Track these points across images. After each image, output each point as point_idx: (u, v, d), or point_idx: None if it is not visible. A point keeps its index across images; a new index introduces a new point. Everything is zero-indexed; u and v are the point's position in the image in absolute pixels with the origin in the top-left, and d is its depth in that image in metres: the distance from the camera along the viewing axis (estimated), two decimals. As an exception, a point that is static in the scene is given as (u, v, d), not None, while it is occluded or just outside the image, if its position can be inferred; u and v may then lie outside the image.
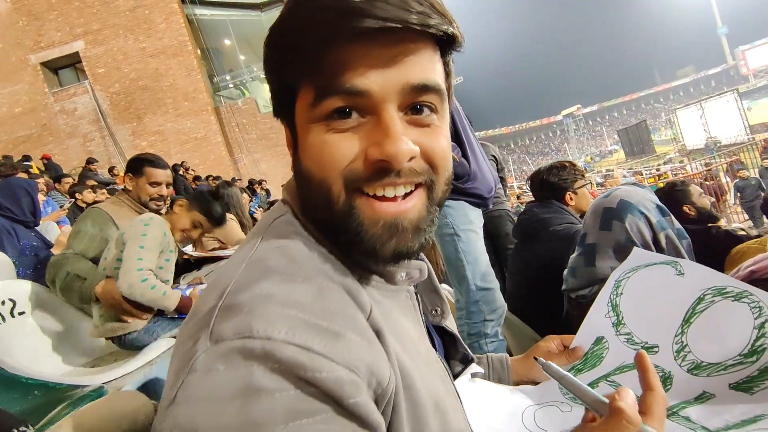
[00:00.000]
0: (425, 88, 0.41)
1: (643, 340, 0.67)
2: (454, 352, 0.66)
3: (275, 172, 11.57)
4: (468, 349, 0.67)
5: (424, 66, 0.41)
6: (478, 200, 1.57)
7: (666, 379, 0.63)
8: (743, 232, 1.95)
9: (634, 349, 0.67)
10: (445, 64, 0.44)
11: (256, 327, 0.34)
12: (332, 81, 0.39)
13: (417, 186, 0.43)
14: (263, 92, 14.87)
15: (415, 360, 0.44)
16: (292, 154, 0.47)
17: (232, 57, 15.03)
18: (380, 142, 0.39)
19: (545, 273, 1.54)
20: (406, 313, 0.49)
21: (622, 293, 0.72)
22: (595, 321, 0.73)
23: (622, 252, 1.15)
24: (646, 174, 13.79)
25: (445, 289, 2.39)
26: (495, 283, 1.59)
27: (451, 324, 0.63)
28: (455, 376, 0.67)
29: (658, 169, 14.90)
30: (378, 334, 0.40)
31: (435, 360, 0.51)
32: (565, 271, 1.33)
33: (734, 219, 7.03)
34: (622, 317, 0.71)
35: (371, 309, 0.41)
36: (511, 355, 1.00)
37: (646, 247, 1.13)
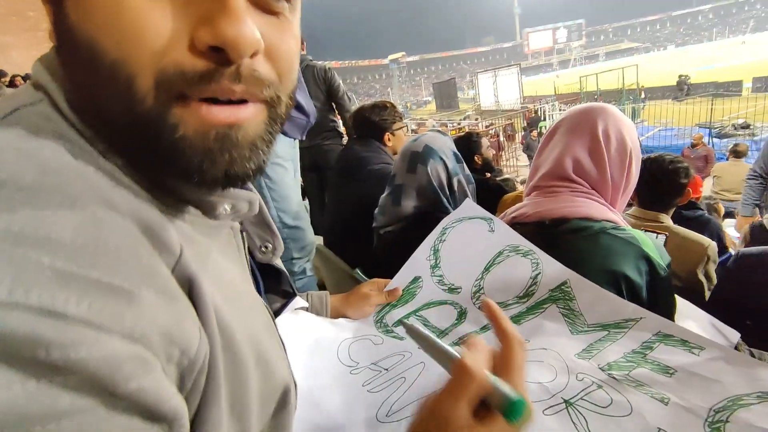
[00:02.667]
0: None
1: (451, 281, 0.78)
2: (274, 287, 0.63)
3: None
4: (293, 284, 0.64)
5: None
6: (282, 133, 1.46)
7: (461, 315, 0.75)
8: (517, 183, 2.44)
9: (442, 289, 0.78)
10: None
11: None
12: None
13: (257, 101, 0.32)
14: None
15: (237, 309, 0.36)
16: (53, 10, 0.30)
17: None
18: (213, 19, 0.27)
19: (359, 209, 1.59)
20: (227, 254, 0.40)
21: (444, 240, 0.82)
22: (417, 262, 0.82)
23: (423, 193, 1.26)
24: (450, 127, 15.90)
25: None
26: (305, 220, 1.56)
27: (278, 261, 0.56)
28: (276, 312, 0.64)
29: (459, 124, 17.35)
30: (190, 284, 0.30)
31: (260, 306, 0.44)
32: (376, 210, 1.39)
33: (505, 172, 8.85)
34: (439, 261, 0.81)
35: (181, 251, 0.30)
36: (323, 287, 0.99)
37: (441, 188, 1.26)
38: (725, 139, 9.35)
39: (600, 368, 0.57)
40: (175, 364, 0.27)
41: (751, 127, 10.00)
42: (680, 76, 18.82)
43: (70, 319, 0.22)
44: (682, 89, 17.91)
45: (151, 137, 0.29)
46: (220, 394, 0.31)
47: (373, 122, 1.84)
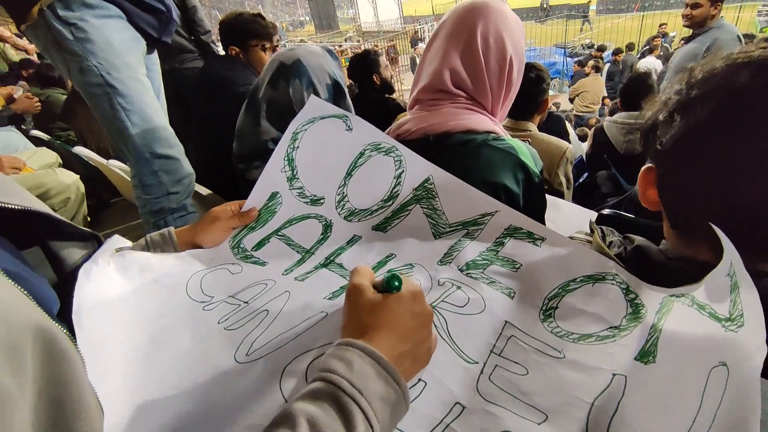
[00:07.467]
0: None
1: (313, 193, 0.71)
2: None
3: None
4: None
5: None
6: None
7: (327, 228, 0.70)
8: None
9: (304, 202, 0.71)
10: None
11: None
12: None
13: None
14: None
15: None
16: None
17: None
18: None
19: (228, 137, 1.39)
20: None
21: (298, 147, 0.72)
22: (272, 176, 0.72)
23: (281, 116, 1.09)
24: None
25: (115, 165, 1.88)
26: (178, 148, 1.32)
27: None
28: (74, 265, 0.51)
29: (340, 46, 16.43)
30: None
31: None
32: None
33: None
34: (297, 171, 0.72)
35: None
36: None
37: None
38: (576, 58, 10.50)
39: (459, 269, 0.58)
40: None
41: (595, 46, 11.34)
42: (542, -3, 20.04)
43: None
44: (544, 10, 19.27)
45: None
46: None
47: (239, 31, 1.57)
